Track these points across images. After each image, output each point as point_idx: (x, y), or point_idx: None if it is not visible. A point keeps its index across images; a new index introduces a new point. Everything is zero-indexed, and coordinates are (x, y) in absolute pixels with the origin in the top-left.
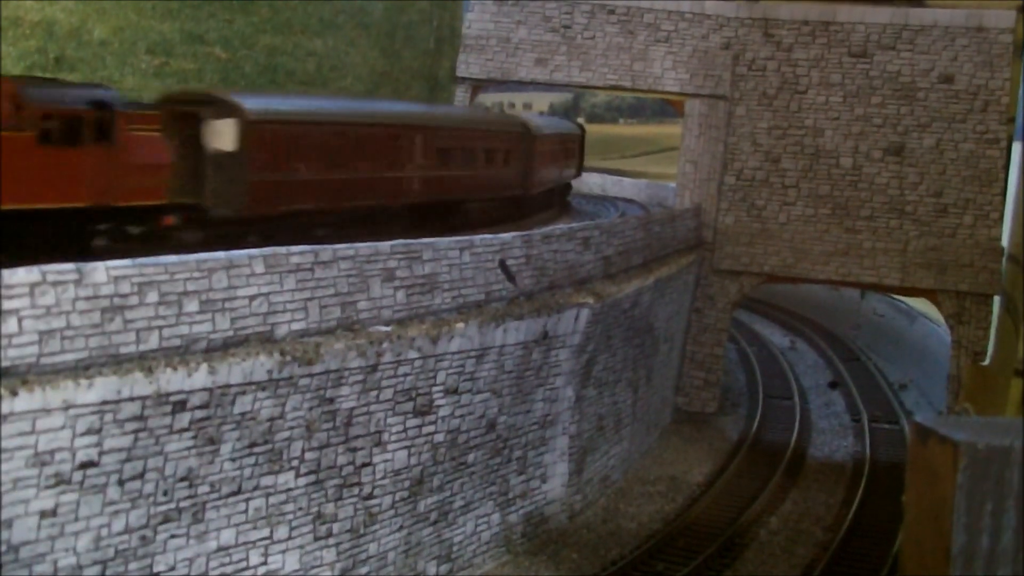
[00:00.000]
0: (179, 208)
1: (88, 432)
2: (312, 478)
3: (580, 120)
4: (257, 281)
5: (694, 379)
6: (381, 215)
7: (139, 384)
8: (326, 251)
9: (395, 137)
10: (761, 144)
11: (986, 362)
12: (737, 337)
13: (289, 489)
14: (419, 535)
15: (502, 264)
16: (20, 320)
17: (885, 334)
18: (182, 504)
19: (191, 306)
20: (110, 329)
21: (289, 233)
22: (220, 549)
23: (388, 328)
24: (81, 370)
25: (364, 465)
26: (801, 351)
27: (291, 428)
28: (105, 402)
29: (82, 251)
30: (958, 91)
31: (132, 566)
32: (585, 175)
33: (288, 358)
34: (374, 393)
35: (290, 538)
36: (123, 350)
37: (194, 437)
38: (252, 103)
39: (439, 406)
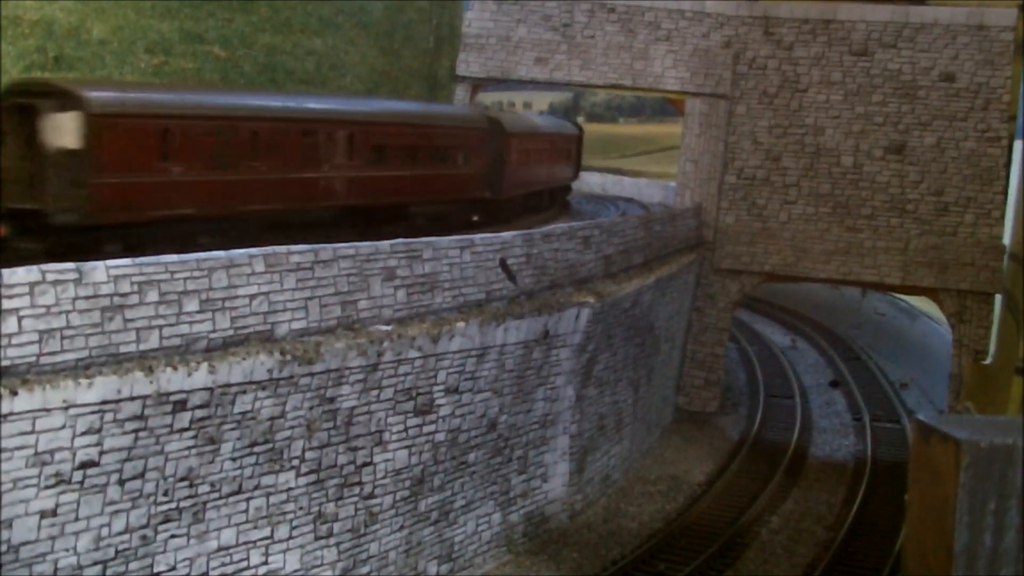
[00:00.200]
0: (15, 215)
1: (88, 432)
2: (313, 477)
3: (580, 119)
4: (257, 280)
5: (695, 378)
6: (294, 220)
7: (139, 384)
8: (326, 250)
9: (308, 133)
10: (762, 143)
11: (987, 361)
12: (738, 336)
13: (290, 489)
14: (420, 535)
15: (503, 263)
16: (20, 319)
17: (886, 333)
18: (182, 504)
19: (191, 305)
20: (110, 328)
21: (164, 242)
22: (221, 549)
23: (389, 327)
24: (81, 370)
25: (365, 464)
26: (802, 350)
27: (292, 427)
28: (105, 402)
29: None
30: (959, 89)
31: (132, 566)
32: (585, 174)
33: (288, 357)
34: (375, 392)
35: (291, 538)
36: (123, 349)
37: (194, 437)
38: (98, 94)
39: (440, 405)
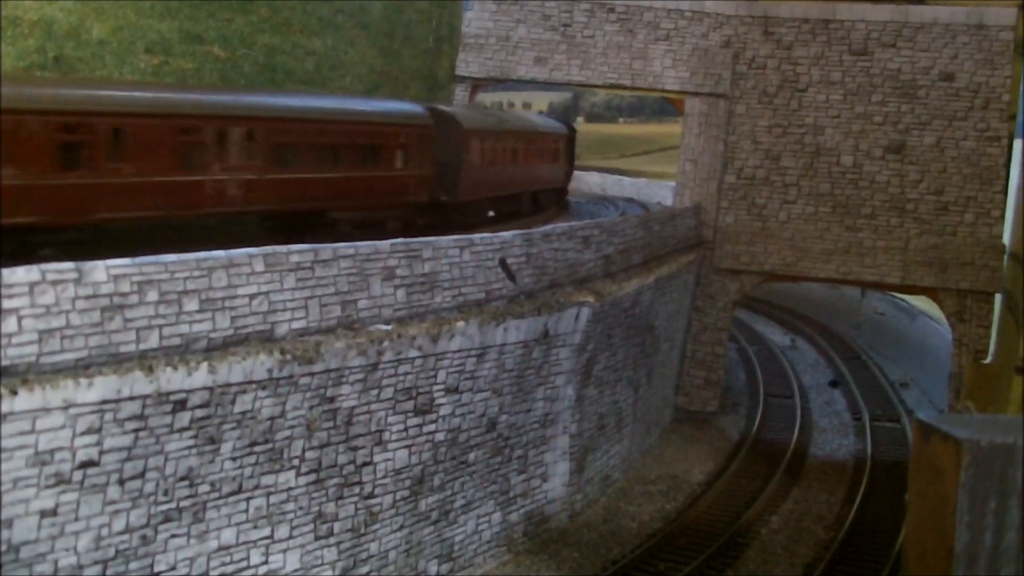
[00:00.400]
0: None
1: (88, 431)
2: (313, 477)
3: (579, 119)
4: (257, 280)
5: (695, 378)
6: (173, 228)
7: (139, 383)
8: (326, 250)
9: (188, 130)
10: (761, 142)
11: (987, 360)
12: (737, 336)
13: (290, 488)
14: (420, 534)
15: (502, 263)
16: (20, 319)
17: (886, 332)
18: (183, 503)
19: (191, 305)
20: (110, 328)
21: None
22: (221, 548)
23: (388, 327)
24: (81, 369)
25: (365, 464)
26: (802, 350)
27: (292, 427)
28: (105, 401)
29: None
30: (959, 89)
31: (132, 566)
32: (585, 175)
33: (288, 357)
34: (375, 392)
35: (291, 537)
36: (123, 349)
37: (194, 436)
38: None
39: (440, 405)
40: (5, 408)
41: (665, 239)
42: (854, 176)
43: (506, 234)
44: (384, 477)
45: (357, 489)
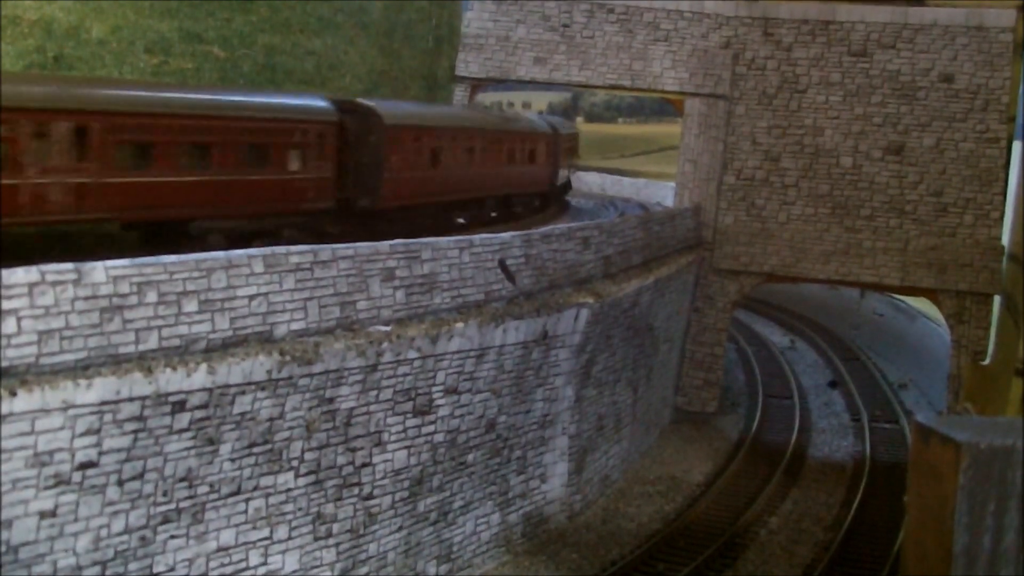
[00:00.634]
0: None
1: (87, 432)
2: (312, 478)
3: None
4: (256, 281)
5: (694, 379)
6: None
7: (138, 384)
8: (325, 251)
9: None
10: (761, 143)
11: (986, 362)
12: (737, 337)
13: (289, 489)
14: (419, 535)
15: (501, 264)
16: (19, 320)
17: (885, 333)
18: (182, 504)
19: (190, 306)
20: (109, 329)
21: None
22: (220, 549)
23: (387, 328)
24: (80, 370)
25: (364, 465)
26: (801, 351)
27: (291, 428)
28: (104, 402)
29: None
30: (958, 90)
31: (132, 566)
32: (584, 175)
33: (287, 358)
34: (373, 393)
35: (290, 538)
36: (122, 350)
37: (193, 437)
38: None
39: (439, 406)
40: (4, 409)
41: (664, 240)
42: (853, 177)
43: (505, 235)
44: (383, 478)
45: (356, 490)
